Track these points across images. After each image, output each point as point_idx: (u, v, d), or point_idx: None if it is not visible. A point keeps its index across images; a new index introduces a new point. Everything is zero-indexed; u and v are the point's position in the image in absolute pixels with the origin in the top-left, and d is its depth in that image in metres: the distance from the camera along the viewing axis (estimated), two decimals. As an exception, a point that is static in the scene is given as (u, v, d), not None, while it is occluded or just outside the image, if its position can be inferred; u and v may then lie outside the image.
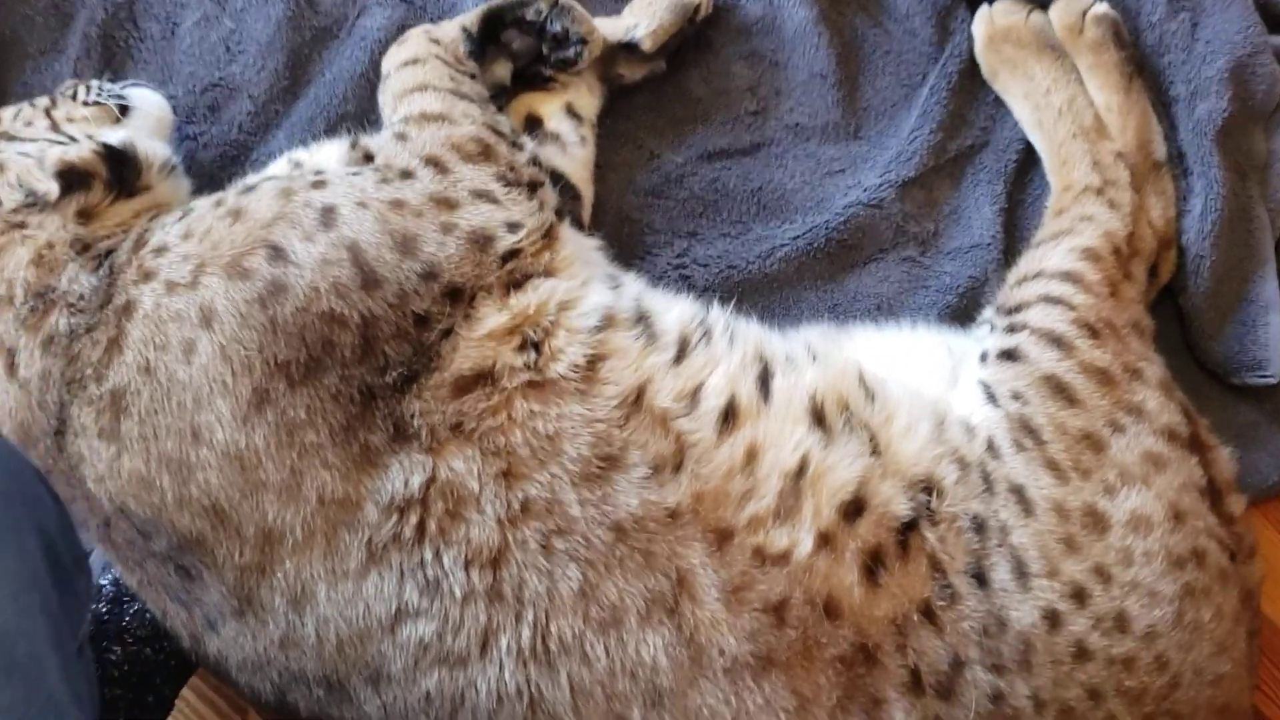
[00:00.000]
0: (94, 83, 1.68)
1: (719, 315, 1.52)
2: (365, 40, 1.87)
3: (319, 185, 1.41)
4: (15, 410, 1.38)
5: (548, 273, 1.43)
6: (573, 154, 1.79)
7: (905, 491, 1.36)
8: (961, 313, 1.79)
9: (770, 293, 1.81)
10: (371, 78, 1.82)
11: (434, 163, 1.46)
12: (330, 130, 1.79)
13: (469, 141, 1.51)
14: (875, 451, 1.39)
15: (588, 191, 1.80)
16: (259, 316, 1.28)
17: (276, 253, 1.31)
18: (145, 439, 1.28)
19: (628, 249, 1.78)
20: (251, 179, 1.51)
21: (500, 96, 1.78)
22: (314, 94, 1.85)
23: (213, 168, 1.81)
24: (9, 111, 1.62)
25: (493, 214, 1.42)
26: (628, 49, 1.84)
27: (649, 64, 1.87)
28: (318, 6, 1.91)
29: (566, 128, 1.81)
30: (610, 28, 1.83)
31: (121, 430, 1.30)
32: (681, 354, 1.41)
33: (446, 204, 1.41)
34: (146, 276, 1.33)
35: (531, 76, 1.81)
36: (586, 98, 1.84)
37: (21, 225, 1.44)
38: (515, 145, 1.56)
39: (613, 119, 1.84)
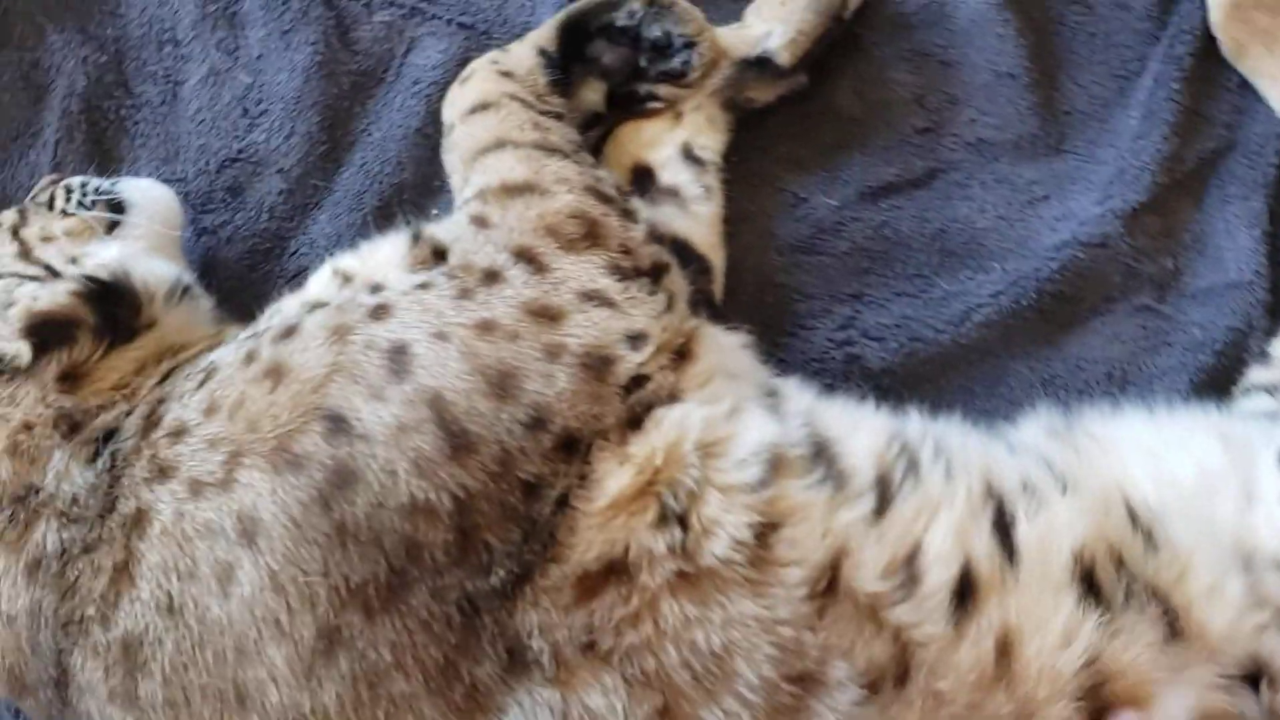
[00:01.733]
0: (74, 181, 1.38)
1: (921, 429, 1.23)
2: (419, 84, 1.58)
3: (381, 314, 1.13)
4: (3, 653, 1.13)
5: (673, 395, 1.15)
6: (696, 212, 1.47)
7: (1222, 686, 1.05)
8: (1221, 376, 1.47)
9: (967, 369, 1.49)
10: (431, 132, 1.55)
11: (526, 256, 1.18)
12: (383, 207, 1.55)
13: (567, 220, 1.22)
14: (1175, 631, 1.07)
15: (718, 259, 1.48)
16: (320, 523, 1.02)
17: (336, 424, 1.05)
18: (174, 706, 1.04)
19: (773, 324, 1.50)
20: (288, 310, 1.23)
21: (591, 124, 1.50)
22: (360, 160, 1.57)
23: (239, 269, 1.54)
24: None
25: (608, 323, 1.15)
26: (759, 65, 1.50)
27: (786, 81, 1.54)
28: (354, 44, 1.61)
29: (685, 178, 1.48)
30: (735, 40, 1.50)
31: (140, 694, 1.05)
32: (884, 502, 1.12)
33: (548, 316, 1.13)
34: (163, 473, 1.07)
35: (629, 98, 1.50)
36: (707, 133, 1.51)
37: None
38: (627, 215, 1.26)
39: (741, 155, 1.54)
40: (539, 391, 1.08)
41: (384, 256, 1.27)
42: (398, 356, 1.08)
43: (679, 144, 1.48)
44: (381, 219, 1.52)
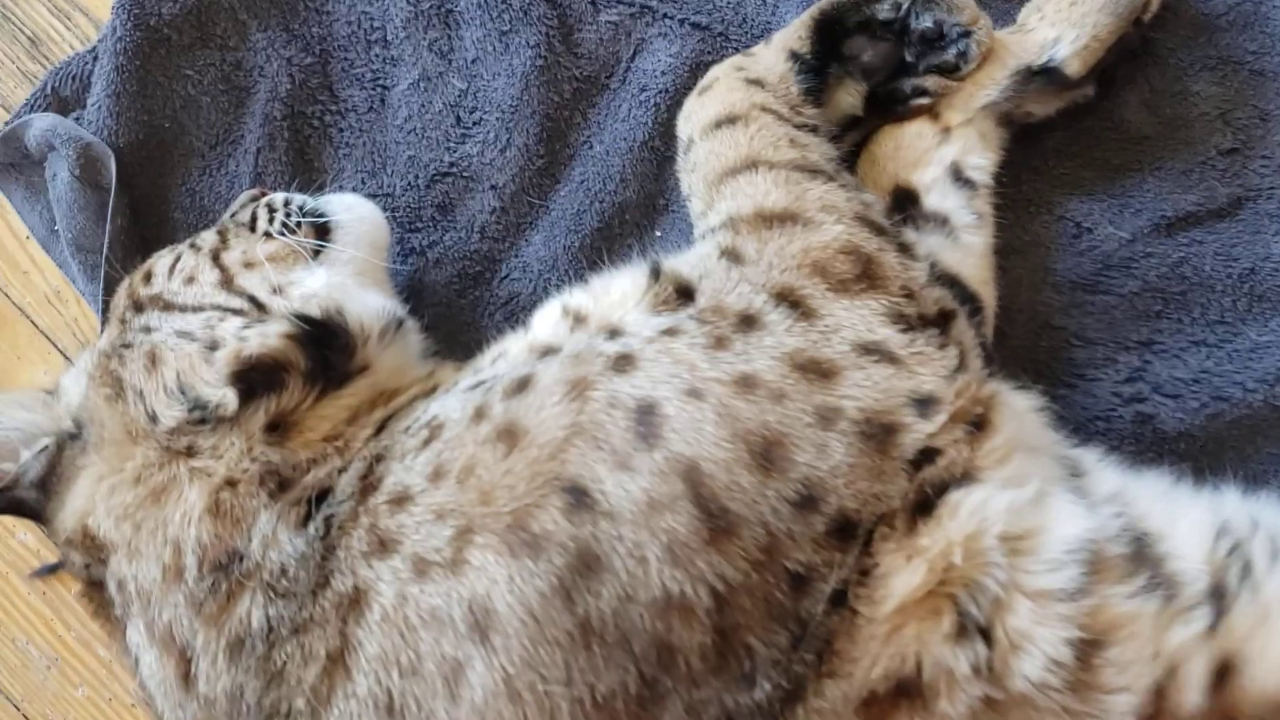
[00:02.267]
0: (278, 199, 1.27)
1: (1247, 517, 1.05)
2: (646, 91, 1.45)
3: (624, 365, 1.00)
4: None
5: (968, 474, 1.00)
6: (967, 243, 1.29)
7: None
8: None
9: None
10: (660, 146, 1.43)
11: (788, 298, 1.04)
12: (604, 228, 1.43)
13: (838, 255, 1.07)
14: None
15: (990, 297, 1.30)
16: (562, 619, 0.90)
17: (578, 499, 0.92)
18: None
19: (1048, 374, 1.35)
20: (515, 355, 1.11)
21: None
22: (579, 176, 1.45)
23: (447, 294, 1.43)
24: (163, 261, 1.22)
25: (891, 383, 1.00)
26: (1044, 75, 1.31)
27: (1071, 93, 1.35)
28: (577, 46, 1.47)
29: (954, 203, 1.30)
30: (1016, 47, 1.31)
31: None
32: (1219, 615, 0.97)
33: (819, 372, 0.99)
34: (383, 546, 0.96)
35: (889, 96, 1.33)
36: (979, 152, 1.32)
37: (188, 452, 1.07)
38: (905, 249, 1.11)
39: (1014, 177, 1.37)
40: (810, 464, 0.94)
41: (619, 294, 1.12)
42: (645, 417, 0.95)
43: (947, 164, 1.30)
44: (602, 241, 1.42)
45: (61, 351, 1.49)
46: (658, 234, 1.41)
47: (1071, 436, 1.16)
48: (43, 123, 1.41)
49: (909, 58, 1.30)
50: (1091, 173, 1.40)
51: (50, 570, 1.42)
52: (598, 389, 0.97)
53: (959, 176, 1.30)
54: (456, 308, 1.40)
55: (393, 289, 1.31)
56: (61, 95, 1.49)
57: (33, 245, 1.51)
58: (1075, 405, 1.32)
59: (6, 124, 1.49)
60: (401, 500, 0.96)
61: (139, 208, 1.44)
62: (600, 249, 1.40)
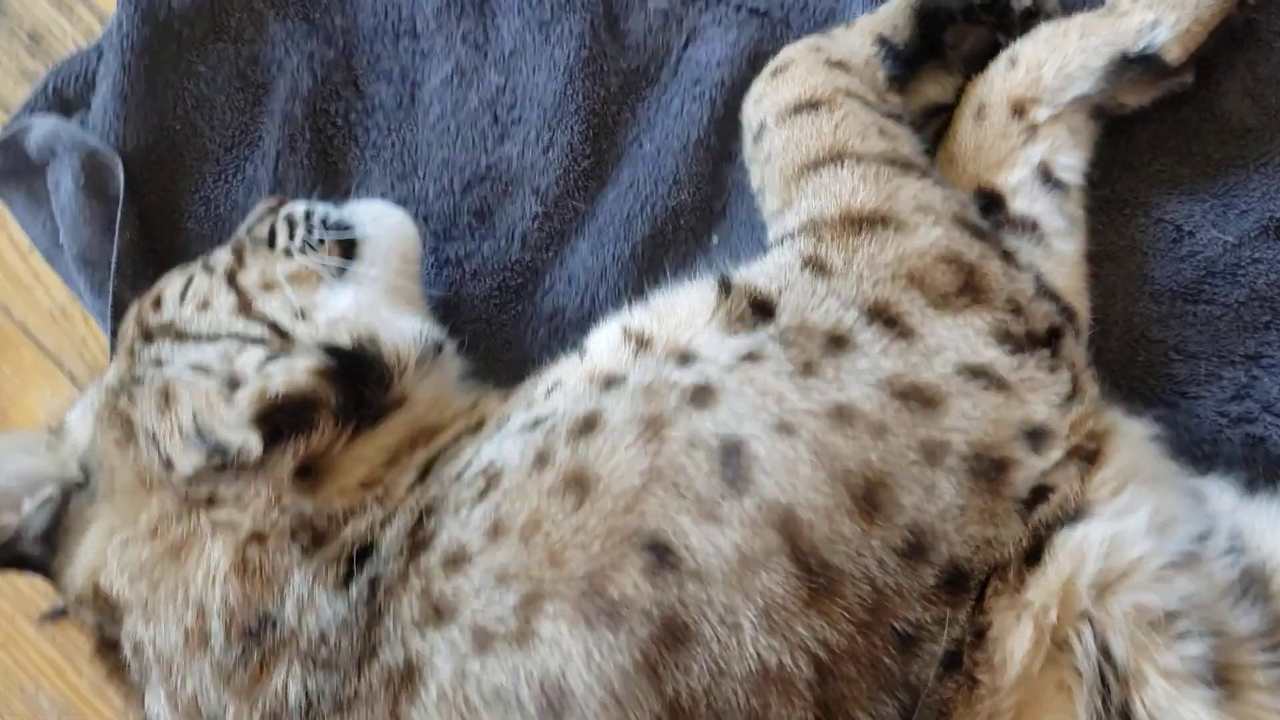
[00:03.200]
0: (297, 211, 1.18)
1: None
2: (700, 84, 1.36)
3: (703, 399, 0.92)
4: None
5: (1079, 510, 0.93)
6: (1058, 250, 1.20)
7: None
8: None
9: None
10: (716, 144, 1.35)
11: (883, 315, 0.96)
12: (656, 236, 1.36)
13: (937, 264, 0.99)
14: None
15: (1083, 309, 1.22)
16: (649, 701, 0.82)
17: (660, 557, 0.85)
18: None
19: (1145, 390, 1.28)
20: (574, 385, 1.01)
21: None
22: (628, 179, 1.37)
23: (486, 309, 1.35)
24: (174, 285, 1.14)
25: (1002, 413, 0.92)
26: (1141, 63, 1.21)
27: (1169, 81, 1.26)
28: (624, 36, 1.39)
29: (1044, 206, 1.20)
30: (1109, 32, 1.21)
31: None
32: None
33: (922, 401, 0.92)
34: (438, 614, 0.88)
35: None
36: (1069, 149, 1.23)
37: (209, 503, 0.98)
38: (1008, 258, 1.04)
39: (1105, 174, 1.30)
40: (918, 507, 0.87)
41: (686, 312, 1.03)
42: (732, 459, 0.88)
43: (1035, 164, 1.21)
44: (654, 249, 1.34)
45: (68, 374, 1.41)
46: (715, 240, 1.33)
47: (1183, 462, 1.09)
48: (44, 127, 1.33)
49: (1003, 41, 1.23)
50: (1190, 169, 1.32)
51: (61, 614, 1.34)
52: (675, 427, 0.89)
53: (1048, 177, 1.21)
54: (496, 324, 1.33)
55: (427, 306, 1.22)
56: (64, 96, 1.41)
57: (36, 259, 1.43)
58: (1177, 426, 1.23)
59: (5, 128, 1.41)
60: (457, 561, 0.87)
61: (149, 218, 1.37)
62: (652, 258, 1.33)
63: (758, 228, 1.29)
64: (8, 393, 1.41)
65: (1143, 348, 1.29)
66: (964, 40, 1.24)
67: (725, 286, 1.02)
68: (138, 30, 1.35)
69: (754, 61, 1.31)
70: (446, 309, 1.29)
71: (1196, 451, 1.23)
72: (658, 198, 1.33)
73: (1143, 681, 0.85)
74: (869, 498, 0.86)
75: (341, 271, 1.11)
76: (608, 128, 1.37)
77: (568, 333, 1.30)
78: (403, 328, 1.08)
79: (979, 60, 1.26)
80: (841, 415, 0.88)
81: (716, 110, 1.33)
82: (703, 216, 1.33)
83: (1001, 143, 1.21)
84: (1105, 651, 0.86)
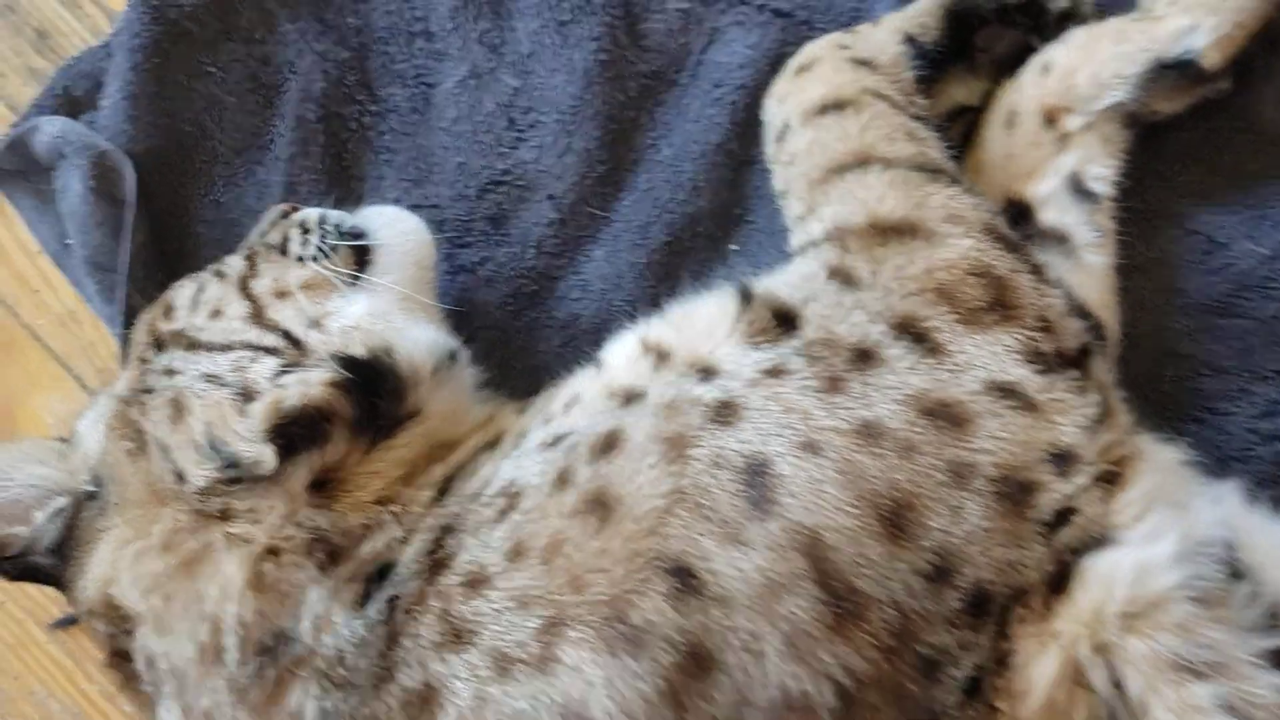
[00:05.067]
0: (311, 216, 1.17)
1: None
2: (721, 88, 1.34)
3: (726, 415, 0.92)
4: None
5: (1102, 533, 0.92)
6: (1088, 263, 1.19)
7: None
8: None
9: None
10: (736, 149, 1.34)
11: (910, 329, 0.95)
12: (674, 243, 1.34)
13: (966, 277, 0.98)
14: None
15: (1113, 323, 1.22)
16: None
17: (684, 581, 0.84)
18: None
19: (1173, 404, 1.27)
20: (593, 401, 1.01)
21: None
22: (645, 184, 1.36)
23: (500, 316, 1.33)
24: (185, 292, 1.13)
25: (1030, 434, 0.91)
26: (1178, 68, 1.20)
27: (1205, 88, 1.24)
28: (643, 38, 1.37)
29: (1074, 217, 1.20)
30: (1145, 38, 1.19)
31: None
32: None
33: (950, 419, 0.91)
34: (458, 637, 0.88)
35: None
36: (1100, 159, 1.22)
37: (222, 516, 0.97)
38: (1038, 272, 1.01)
39: (1136, 183, 1.27)
40: (945, 530, 0.86)
41: (705, 323, 1.02)
42: (757, 479, 0.87)
43: (1066, 174, 1.20)
44: (671, 257, 1.32)
45: (76, 378, 1.40)
46: (733, 248, 1.32)
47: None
48: (52, 128, 1.31)
49: (1035, 44, 1.22)
50: (1224, 180, 1.31)
51: (72, 621, 1.34)
52: (699, 446, 0.88)
53: (1079, 188, 1.20)
54: (510, 331, 1.31)
55: (440, 313, 1.20)
56: (73, 95, 1.39)
57: (44, 260, 1.41)
58: (1206, 442, 1.21)
59: (13, 127, 1.39)
60: (477, 582, 0.87)
61: (159, 221, 1.35)
62: (670, 265, 1.31)
63: (778, 235, 1.27)
64: (14, 396, 1.40)
65: (1172, 362, 1.28)
66: (996, 43, 1.23)
67: (746, 296, 1.01)
68: (148, 30, 1.33)
69: (776, 64, 1.28)
70: (459, 316, 1.26)
71: (1225, 469, 1.19)
72: (675, 204, 1.32)
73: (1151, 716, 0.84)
74: (896, 520, 0.85)
75: (355, 279, 1.10)
76: (625, 132, 1.36)
77: (583, 341, 1.28)
78: (418, 337, 1.07)
79: (1008, 63, 1.25)
80: (869, 433, 0.88)
81: (737, 114, 1.31)
82: (721, 223, 1.32)
83: (1032, 152, 1.20)
84: (1118, 684, 0.85)
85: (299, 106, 1.37)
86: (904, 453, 0.87)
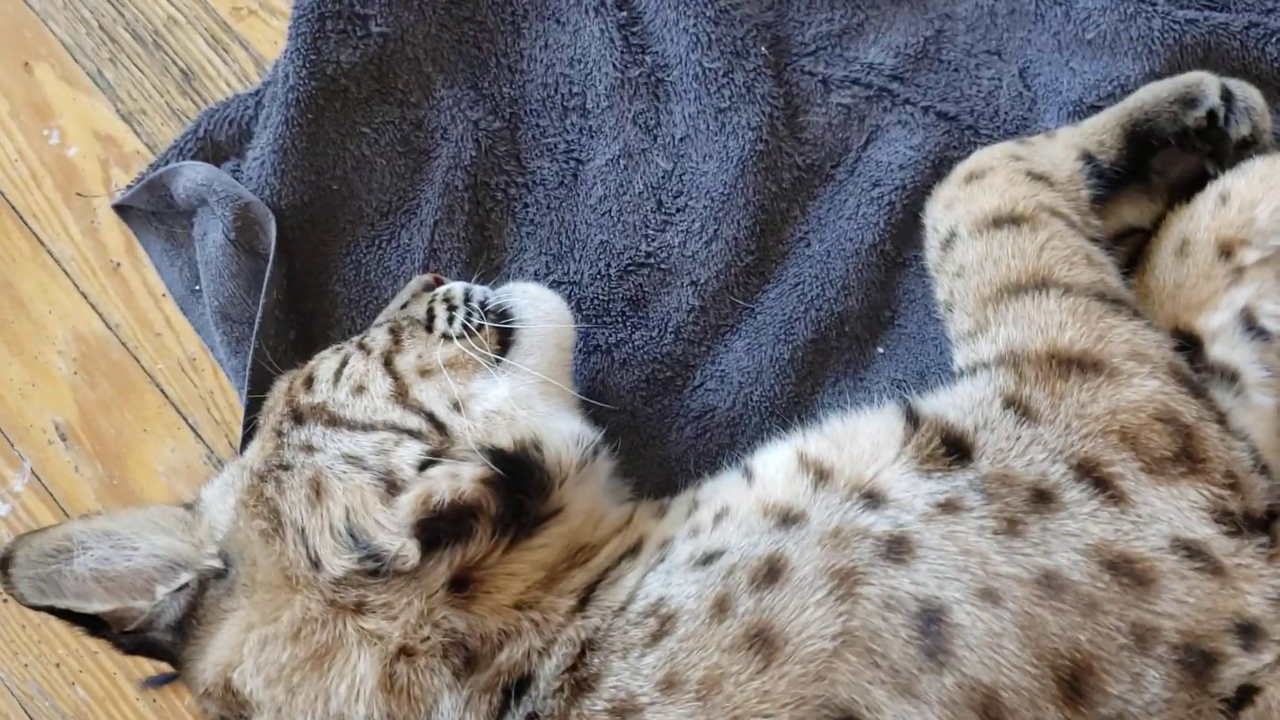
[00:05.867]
0: (456, 291, 1.12)
1: None
2: (880, 187, 1.30)
3: (899, 552, 0.86)
4: None
5: None
6: (1256, 404, 1.12)
7: None
8: None
9: None
10: (891, 251, 1.29)
11: (1092, 474, 0.89)
12: (819, 341, 1.30)
13: (1152, 422, 0.92)
14: None
15: (1277, 466, 1.10)
16: None
17: None
18: None
19: None
20: (747, 517, 0.94)
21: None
22: (793, 278, 1.31)
23: (633, 400, 1.28)
24: (328, 364, 1.07)
25: (1215, 600, 0.85)
26: None
27: None
28: (801, 130, 1.33)
29: (1244, 355, 1.13)
30: None
31: None
32: None
33: (1133, 577, 0.84)
34: None
35: None
36: (1276, 295, 1.15)
37: (356, 609, 0.92)
38: (1224, 423, 0.95)
39: None
40: (1124, 698, 0.80)
41: (870, 443, 0.96)
42: (931, 626, 0.82)
43: (1238, 309, 1.14)
44: (815, 355, 1.27)
45: (192, 427, 1.35)
46: (879, 350, 1.27)
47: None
48: (195, 174, 1.28)
49: (1212, 171, 1.17)
50: None
51: (165, 681, 1.29)
52: (869, 584, 0.83)
53: (1251, 325, 1.14)
54: (642, 416, 1.26)
55: (577, 399, 1.14)
56: (215, 140, 1.36)
57: (169, 304, 1.38)
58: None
59: (152, 166, 1.36)
60: (626, 713, 0.82)
61: (297, 277, 1.31)
62: (812, 363, 1.26)
63: (928, 342, 1.23)
64: (127, 440, 1.36)
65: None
66: (1172, 166, 1.18)
67: (913, 417, 0.95)
68: (304, 85, 1.30)
69: (938, 167, 1.25)
70: (592, 396, 1.21)
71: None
72: (824, 301, 1.26)
73: None
74: (1075, 683, 0.80)
75: (499, 361, 1.06)
76: (775, 224, 1.31)
77: (716, 434, 1.24)
78: (562, 430, 1.01)
79: (1182, 188, 1.20)
80: (1050, 584, 0.83)
81: (895, 214, 1.26)
82: (869, 324, 1.26)
83: (1204, 284, 1.14)
84: None
85: (448, 173, 1.33)
86: (1086, 610, 0.82)
